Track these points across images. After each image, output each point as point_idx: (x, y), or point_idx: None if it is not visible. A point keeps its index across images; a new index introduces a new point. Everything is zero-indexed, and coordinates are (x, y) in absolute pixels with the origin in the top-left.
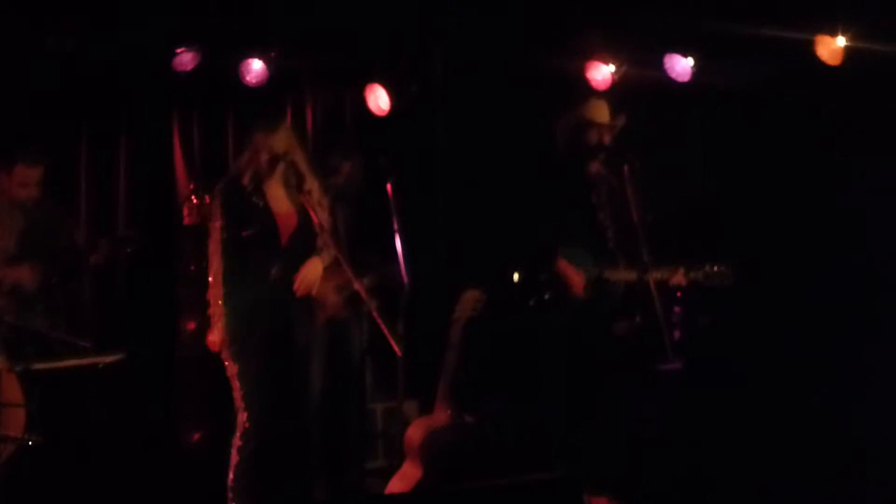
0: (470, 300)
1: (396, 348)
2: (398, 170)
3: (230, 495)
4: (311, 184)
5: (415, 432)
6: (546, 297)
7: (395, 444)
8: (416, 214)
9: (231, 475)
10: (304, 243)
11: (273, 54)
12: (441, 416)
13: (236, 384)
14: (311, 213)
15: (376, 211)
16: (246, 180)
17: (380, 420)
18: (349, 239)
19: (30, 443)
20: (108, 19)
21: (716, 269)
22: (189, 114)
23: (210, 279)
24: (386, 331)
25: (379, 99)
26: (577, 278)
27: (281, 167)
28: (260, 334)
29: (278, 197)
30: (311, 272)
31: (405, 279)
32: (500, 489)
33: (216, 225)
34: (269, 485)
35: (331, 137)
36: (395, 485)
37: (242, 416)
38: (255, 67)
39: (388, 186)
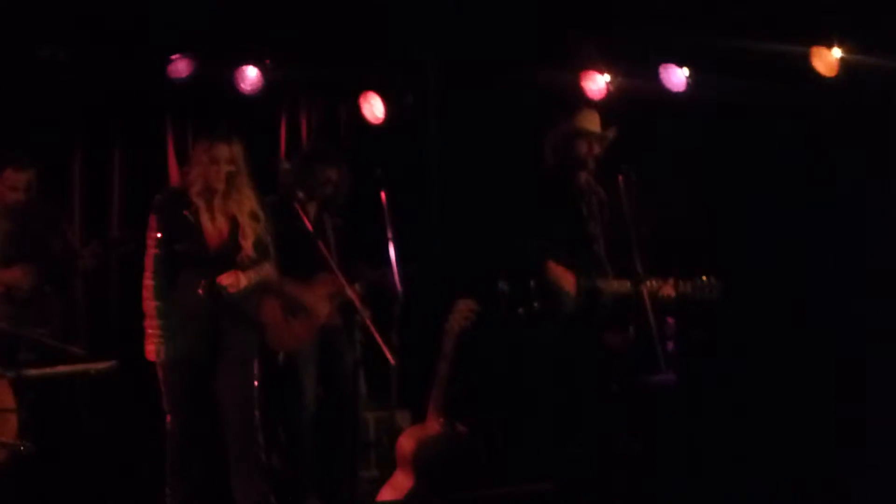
0: (463, 310)
1: (390, 357)
2: (392, 179)
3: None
4: (251, 202)
5: (407, 441)
6: (535, 305)
7: (387, 454)
8: (409, 223)
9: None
10: (232, 259)
11: (268, 62)
12: (433, 425)
13: (163, 389)
14: (246, 231)
15: (369, 220)
16: (195, 192)
17: (372, 429)
18: (339, 248)
19: (21, 449)
20: (104, 26)
21: (705, 281)
22: (183, 121)
23: (144, 292)
24: (379, 339)
25: (374, 107)
26: (568, 277)
27: (229, 181)
28: (185, 347)
29: (217, 210)
30: (231, 276)
31: (399, 288)
32: (491, 500)
33: (152, 236)
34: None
35: (317, 146)
36: (387, 493)
37: (167, 419)
38: (250, 75)
39: (383, 195)
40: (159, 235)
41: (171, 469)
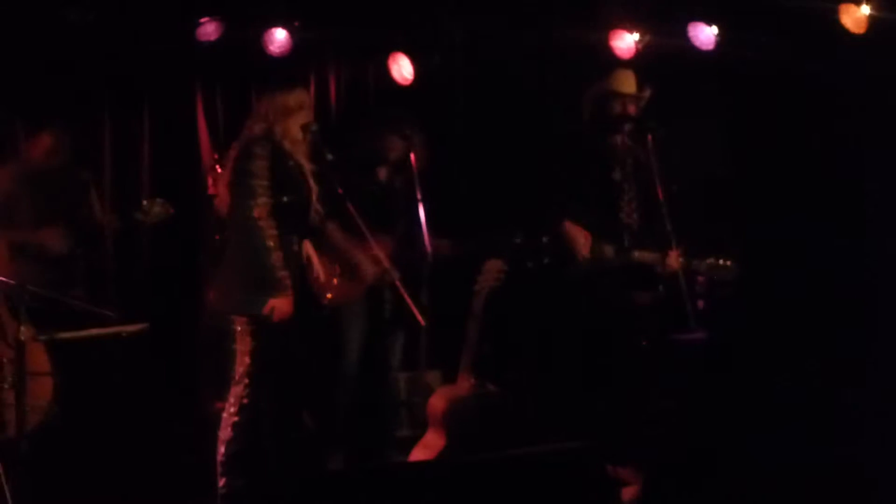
0: (492, 270)
1: (420, 318)
2: (421, 140)
3: (221, 470)
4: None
5: (438, 401)
6: (545, 261)
7: (418, 414)
8: (438, 184)
9: (223, 450)
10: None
11: (297, 24)
12: (464, 385)
13: (245, 359)
14: (337, 185)
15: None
16: (288, 144)
17: (403, 389)
18: (392, 209)
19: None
20: None
21: (720, 262)
22: (213, 84)
23: (269, 243)
24: (409, 300)
25: (403, 68)
26: (583, 238)
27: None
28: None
29: (306, 166)
30: (315, 257)
31: (428, 249)
32: (522, 458)
33: (260, 183)
34: (267, 460)
35: (359, 104)
36: (419, 453)
37: (240, 390)
38: (279, 37)
39: (412, 157)
40: (269, 184)
41: (235, 450)
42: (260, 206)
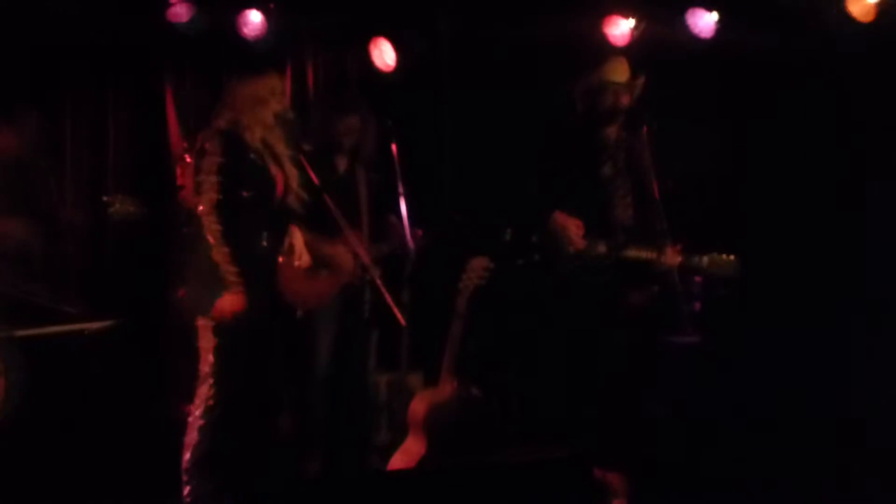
0: (477, 268)
1: (400, 318)
2: (403, 131)
3: (186, 478)
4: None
5: (419, 406)
6: (536, 258)
7: (398, 418)
8: (421, 177)
9: (188, 455)
10: (287, 208)
11: (272, 6)
12: (446, 389)
13: (209, 357)
14: (311, 173)
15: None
16: (253, 136)
17: (383, 392)
18: (371, 203)
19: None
20: None
21: (721, 256)
22: (183, 68)
23: (211, 239)
24: (389, 300)
25: (384, 54)
26: (574, 228)
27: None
28: (251, 307)
29: (276, 155)
30: (300, 241)
31: (410, 246)
32: (507, 466)
33: (210, 180)
34: (236, 463)
35: (333, 94)
36: (398, 460)
37: (207, 391)
38: (254, 20)
39: (394, 147)
40: (221, 180)
41: (202, 454)
42: (205, 202)
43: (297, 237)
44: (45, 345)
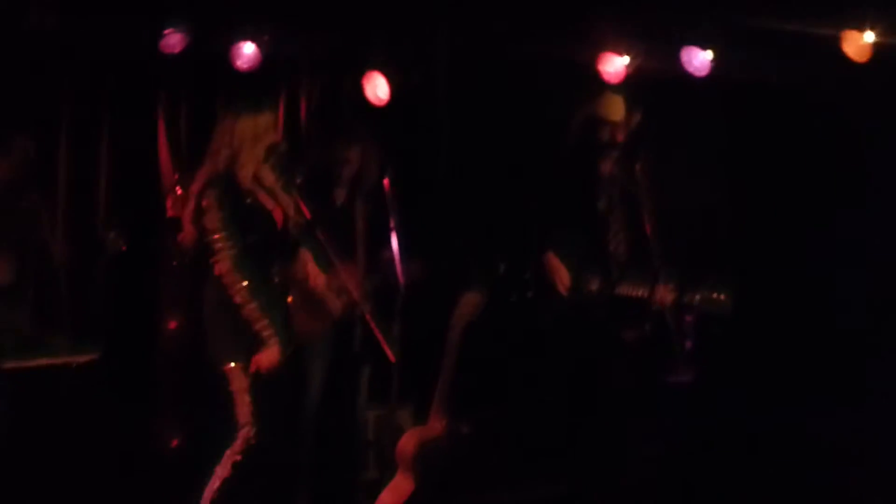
0: (470, 304)
1: (390, 353)
2: (397, 163)
3: (208, 498)
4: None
5: (408, 442)
6: (528, 294)
7: (387, 455)
8: (414, 211)
9: (216, 485)
10: (290, 237)
11: (266, 38)
12: (436, 425)
13: (245, 398)
14: (303, 207)
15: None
16: (245, 174)
17: (371, 428)
18: (369, 236)
19: None
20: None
21: (714, 295)
22: (176, 99)
23: (238, 299)
24: (379, 335)
25: (377, 88)
26: (563, 275)
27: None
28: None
29: (269, 188)
30: (312, 264)
31: (401, 280)
32: None
33: (222, 236)
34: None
35: (331, 124)
36: (386, 498)
37: (247, 432)
38: (247, 51)
39: (386, 182)
40: (229, 234)
41: (228, 487)
42: (220, 262)
43: (307, 261)
44: (33, 377)
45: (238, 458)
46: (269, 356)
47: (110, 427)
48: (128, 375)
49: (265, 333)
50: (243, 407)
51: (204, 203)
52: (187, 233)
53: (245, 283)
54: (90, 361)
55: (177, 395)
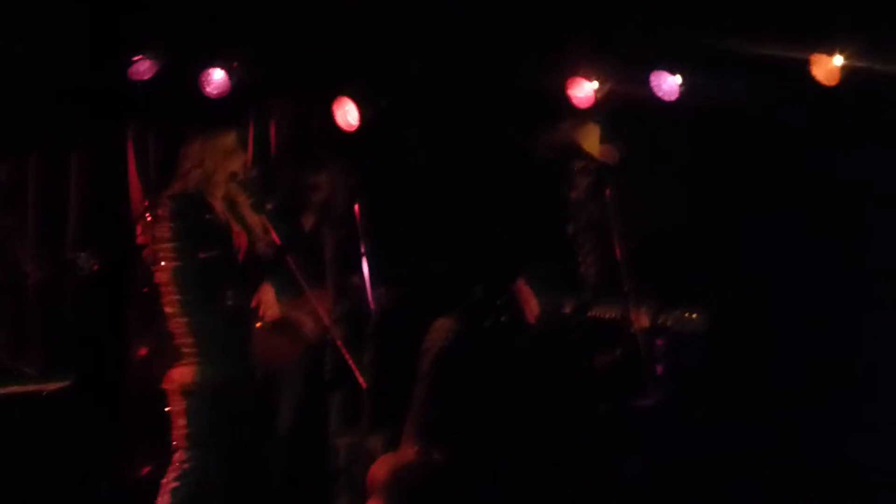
0: (442, 329)
1: (361, 379)
2: (367, 189)
3: None
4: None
5: (379, 470)
6: (501, 319)
7: (358, 483)
8: (385, 236)
9: None
10: (256, 264)
11: (236, 64)
12: (408, 452)
13: (181, 421)
14: (272, 231)
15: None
16: (213, 194)
17: (342, 456)
18: (338, 263)
19: None
20: (61, 23)
21: (686, 315)
22: (145, 126)
23: (168, 310)
24: (350, 361)
25: (348, 114)
26: (532, 304)
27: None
28: (225, 371)
29: (238, 210)
30: (268, 294)
31: (372, 305)
32: None
33: (165, 247)
34: None
35: (300, 150)
36: None
37: (181, 455)
38: (217, 78)
39: (356, 208)
40: (177, 245)
41: None
42: (162, 272)
43: (266, 291)
44: (2, 405)
45: (175, 484)
46: (181, 374)
47: (81, 455)
48: (98, 403)
49: (185, 350)
50: (177, 430)
51: (159, 211)
52: (150, 250)
53: (180, 297)
54: (61, 389)
55: (148, 423)
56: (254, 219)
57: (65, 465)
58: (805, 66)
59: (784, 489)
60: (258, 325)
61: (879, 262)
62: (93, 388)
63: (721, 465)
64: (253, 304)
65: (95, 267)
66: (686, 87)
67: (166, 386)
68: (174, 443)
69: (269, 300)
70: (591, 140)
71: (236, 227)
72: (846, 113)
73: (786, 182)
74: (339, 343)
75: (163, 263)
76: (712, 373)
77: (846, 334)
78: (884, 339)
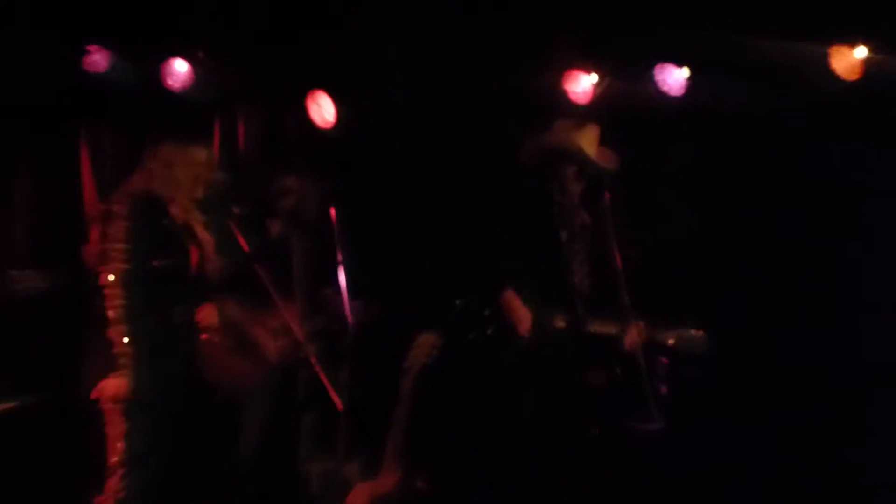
0: (425, 346)
1: (337, 400)
2: (344, 194)
3: None
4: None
5: (357, 499)
6: (488, 332)
7: None
8: (363, 244)
9: None
10: (204, 279)
11: (200, 55)
12: (388, 480)
13: (118, 445)
14: (240, 239)
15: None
16: (172, 199)
17: (316, 483)
18: (306, 273)
19: None
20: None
21: (689, 332)
22: (100, 122)
23: (110, 314)
24: (325, 380)
25: (323, 108)
26: (523, 315)
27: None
28: (163, 387)
29: (195, 221)
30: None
31: (350, 320)
32: None
33: (117, 248)
34: None
35: (270, 153)
36: None
37: (115, 483)
38: (179, 69)
39: (332, 212)
40: (130, 247)
41: None
42: (110, 273)
43: (216, 312)
44: None
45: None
46: (114, 385)
47: (34, 480)
48: (52, 424)
49: (121, 361)
50: (114, 454)
51: (114, 207)
52: (92, 254)
53: (124, 303)
54: (12, 409)
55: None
56: (206, 236)
57: (14, 489)
58: (805, 66)
59: (784, 492)
60: (205, 337)
61: (879, 264)
62: (45, 409)
63: (720, 471)
64: (197, 318)
65: (41, 283)
66: (693, 82)
67: (96, 396)
68: (110, 467)
69: (211, 318)
70: (589, 142)
71: (189, 238)
72: (846, 113)
73: (786, 184)
74: (312, 360)
75: (112, 265)
76: (711, 376)
77: (846, 335)
78: (883, 340)
